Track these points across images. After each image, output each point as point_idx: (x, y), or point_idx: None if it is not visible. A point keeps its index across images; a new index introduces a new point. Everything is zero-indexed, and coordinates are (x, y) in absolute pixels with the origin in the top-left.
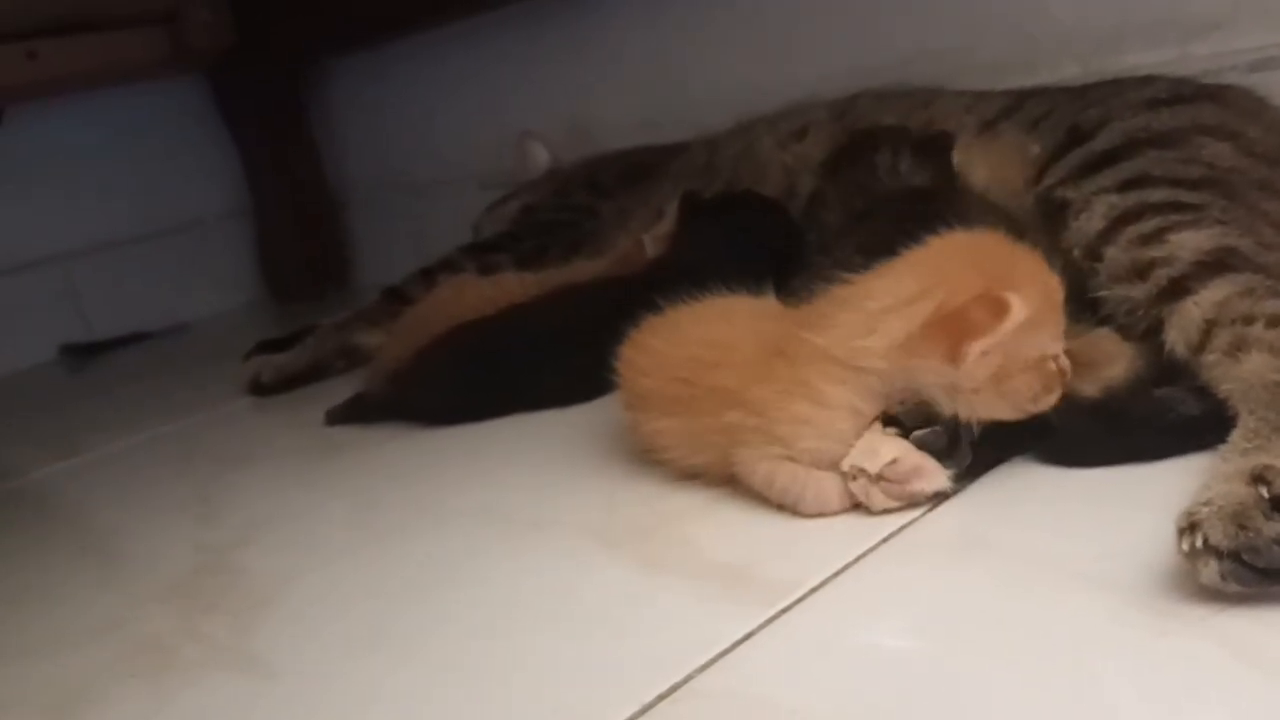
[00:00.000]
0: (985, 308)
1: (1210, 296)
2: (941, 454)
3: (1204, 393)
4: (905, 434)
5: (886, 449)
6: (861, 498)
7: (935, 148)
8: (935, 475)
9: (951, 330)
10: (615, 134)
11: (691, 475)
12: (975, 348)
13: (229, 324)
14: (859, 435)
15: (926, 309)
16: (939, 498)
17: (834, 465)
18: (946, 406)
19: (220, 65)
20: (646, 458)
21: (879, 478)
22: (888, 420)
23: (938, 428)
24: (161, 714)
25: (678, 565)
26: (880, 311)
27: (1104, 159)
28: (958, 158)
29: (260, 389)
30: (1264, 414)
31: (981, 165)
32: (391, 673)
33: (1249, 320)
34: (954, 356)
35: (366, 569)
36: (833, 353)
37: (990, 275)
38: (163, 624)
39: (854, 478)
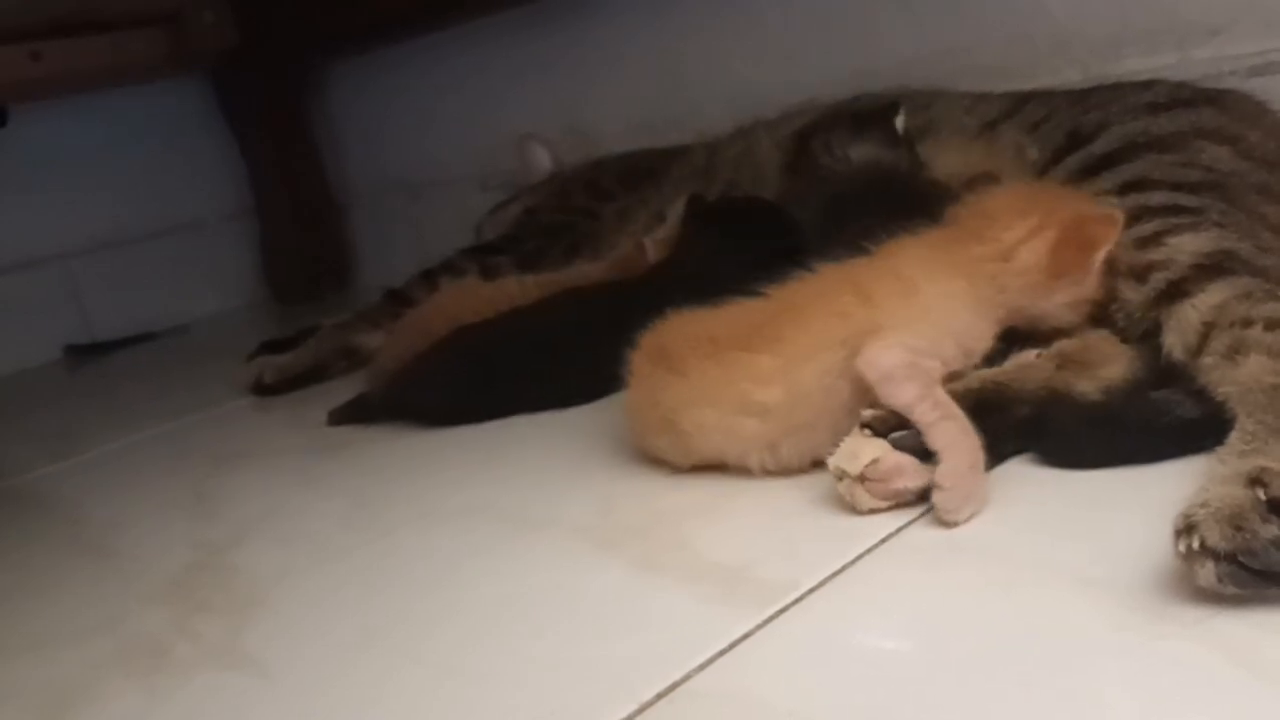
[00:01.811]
0: (1099, 222)
1: (1208, 299)
2: (920, 453)
3: (1202, 395)
4: (882, 435)
5: (867, 450)
6: (847, 498)
7: (876, 118)
8: (917, 473)
9: (1076, 247)
10: (615, 137)
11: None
12: (1100, 255)
13: (230, 324)
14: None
15: (1050, 236)
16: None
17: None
18: (1064, 320)
19: (222, 66)
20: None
21: (862, 478)
22: (862, 424)
23: (913, 429)
24: (154, 713)
25: (675, 566)
26: (1015, 242)
27: (1103, 162)
28: (954, 156)
29: (263, 389)
30: (1261, 417)
31: (981, 167)
32: (387, 673)
33: (1247, 323)
34: (1085, 266)
35: (364, 568)
36: (979, 268)
37: (1072, 202)
38: (157, 622)
39: (839, 479)
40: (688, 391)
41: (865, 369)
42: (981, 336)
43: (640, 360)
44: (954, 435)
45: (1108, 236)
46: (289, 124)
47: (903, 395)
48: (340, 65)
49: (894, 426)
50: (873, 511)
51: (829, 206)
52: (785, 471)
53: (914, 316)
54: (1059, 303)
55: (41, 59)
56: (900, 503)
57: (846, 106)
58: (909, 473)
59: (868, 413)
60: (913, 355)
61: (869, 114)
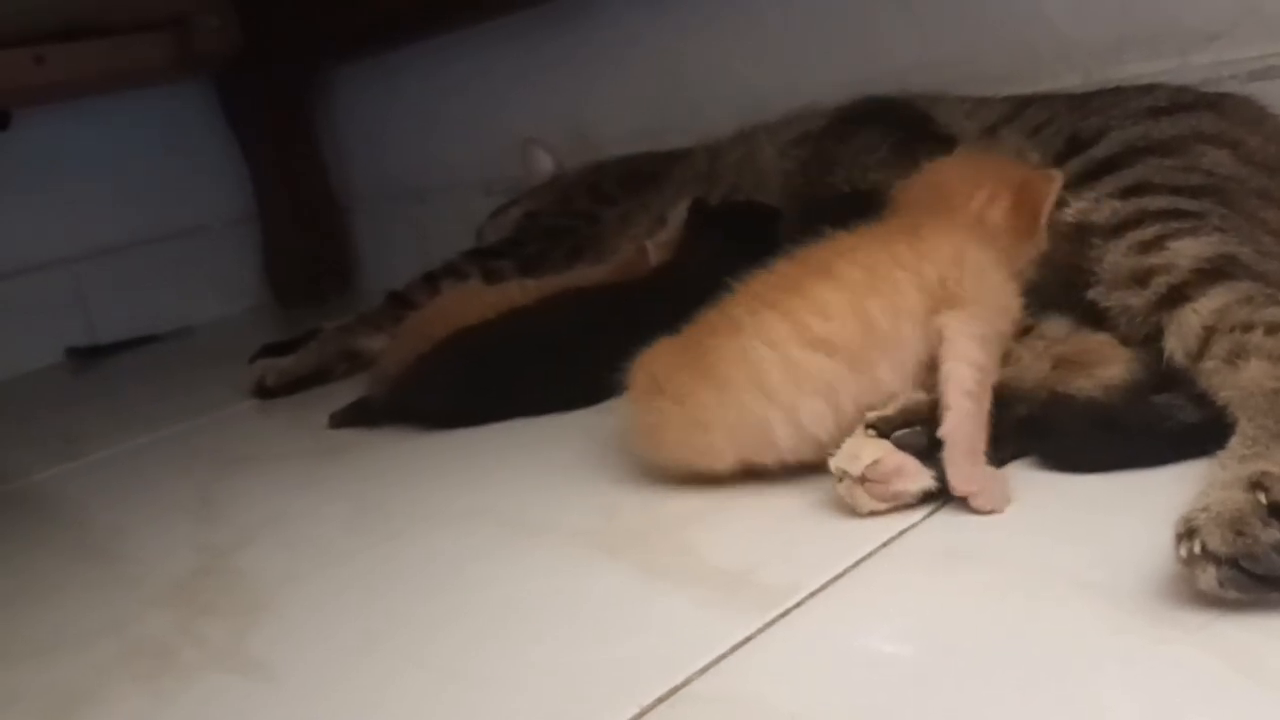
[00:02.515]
0: (1042, 182)
1: (1209, 304)
2: (922, 454)
3: (1203, 400)
4: (885, 436)
5: (868, 451)
6: (847, 499)
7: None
8: (918, 474)
9: (1027, 204)
10: (617, 140)
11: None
12: (1046, 212)
13: (233, 328)
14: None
15: (1004, 201)
16: (934, 502)
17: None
18: (1028, 274)
19: (226, 71)
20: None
21: (863, 479)
22: (867, 424)
23: (917, 428)
24: (159, 716)
25: (676, 570)
26: (980, 209)
27: (1104, 166)
28: None
29: (264, 392)
30: (1262, 421)
31: None
32: (390, 676)
33: (1248, 328)
34: (1038, 223)
35: (367, 572)
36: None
37: (1012, 167)
38: (162, 626)
39: (839, 480)
40: (741, 344)
41: (946, 325)
42: (1014, 293)
43: (659, 362)
44: (966, 414)
45: (1050, 193)
46: (292, 127)
47: (971, 356)
48: (343, 69)
49: (898, 426)
50: (872, 514)
51: (802, 214)
52: (831, 430)
53: (969, 278)
54: (1025, 259)
55: (45, 63)
56: (900, 505)
57: (855, 112)
58: (910, 474)
59: (872, 414)
60: (985, 331)
61: (910, 143)
